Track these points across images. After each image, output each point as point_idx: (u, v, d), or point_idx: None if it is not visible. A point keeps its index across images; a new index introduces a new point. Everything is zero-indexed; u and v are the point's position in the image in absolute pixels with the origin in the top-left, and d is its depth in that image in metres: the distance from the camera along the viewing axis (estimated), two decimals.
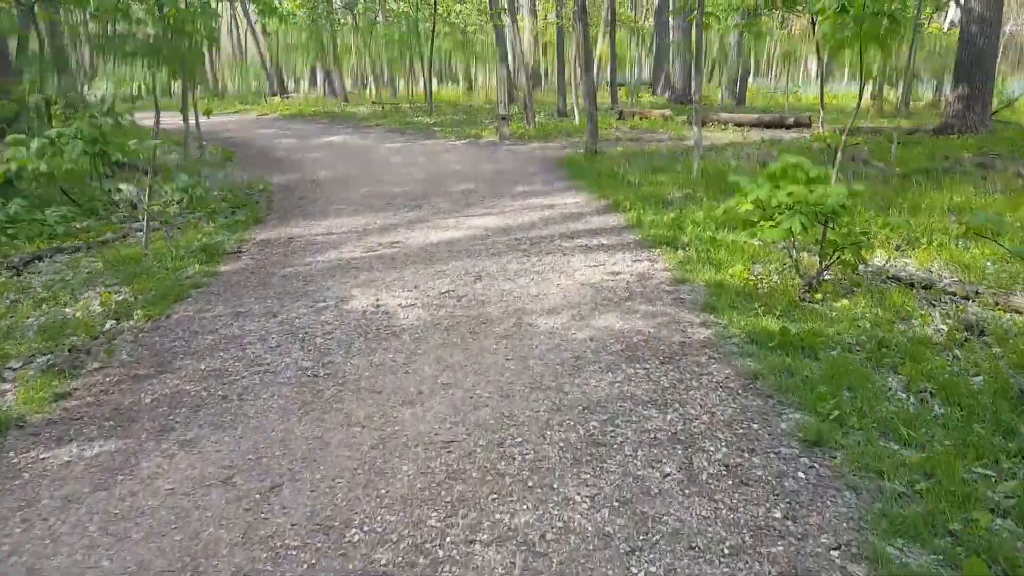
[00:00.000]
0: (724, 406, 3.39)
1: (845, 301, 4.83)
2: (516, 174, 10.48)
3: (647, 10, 35.24)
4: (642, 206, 7.69)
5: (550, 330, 4.32)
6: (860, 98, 8.53)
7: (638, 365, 3.82)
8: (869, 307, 4.67)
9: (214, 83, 43.62)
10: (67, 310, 4.97)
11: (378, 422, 3.27)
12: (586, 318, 4.49)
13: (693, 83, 9.52)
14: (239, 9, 29.35)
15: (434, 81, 34.60)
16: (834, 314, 4.57)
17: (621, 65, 32.79)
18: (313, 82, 35.04)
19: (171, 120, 21.23)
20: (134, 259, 6.06)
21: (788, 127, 15.79)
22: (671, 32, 22.07)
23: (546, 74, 37.29)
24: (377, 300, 4.95)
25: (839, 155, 8.42)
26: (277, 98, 29.17)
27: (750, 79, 26.14)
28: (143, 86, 10.04)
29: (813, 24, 12.85)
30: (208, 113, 10.26)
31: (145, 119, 18.43)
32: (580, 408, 3.37)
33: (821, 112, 14.09)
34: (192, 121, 13.64)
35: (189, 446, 3.13)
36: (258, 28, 26.64)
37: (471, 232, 6.94)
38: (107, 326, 4.61)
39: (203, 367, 3.92)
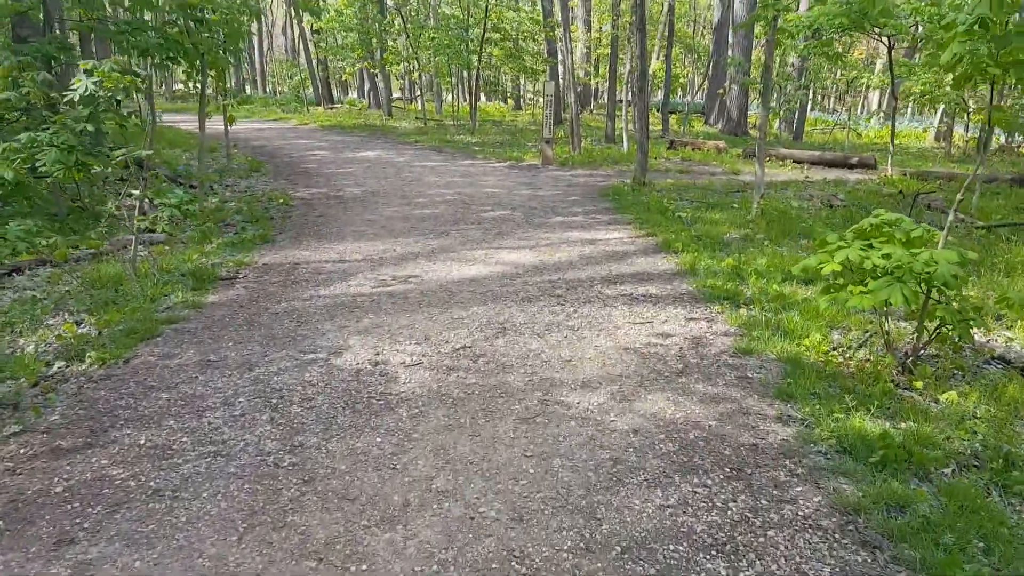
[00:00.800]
0: (817, 561, 2.45)
1: (952, 393, 3.83)
2: (556, 202, 9.63)
3: (703, 28, 34.11)
4: (696, 248, 6.75)
5: (583, 414, 3.42)
6: (983, 144, 7.43)
7: (696, 480, 2.89)
8: (981, 401, 3.67)
9: (262, 86, 44.03)
10: (20, 341, 4.26)
11: (340, 554, 2.40)
12: (629, 399, 3.58)
13: (759, 113, 8.58)
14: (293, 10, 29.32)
15: (481, 96, 34.16)
16: (939, 409, 3.59)
17: (673, 88, 31.85)
18: (362, 93, 34.89)
19: (214, 126, 21.00)
20: (116, 281, 5.36)
21: (851, 167, 14.65)
22: (729, 50, 21.07)
23: (596, 93, 36.56)
24: (377, 354, 4.11)
25: (913, 203, 7.35)
26: (320, 108, 28.97)
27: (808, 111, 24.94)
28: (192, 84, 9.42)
29: (890, 50, 11.78)
30: (231, 121, 9.67)
31: (183, 123, 18.01)
32: (618, 550, 2.45)
33: (890, 152, 12.92)
34: (221, 127, 13.19)
35: (83, 572, 2.31)
36: (307, 29, 26.41)
37: (500, 269, 6.09)
38: (54, 368, 3.87)
39: (143, 441, 3.12)
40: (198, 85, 9.39)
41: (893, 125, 12.89)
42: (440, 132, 20.05)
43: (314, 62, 30.03)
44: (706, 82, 28.54)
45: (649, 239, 7.42)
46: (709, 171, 13.63)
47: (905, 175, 12.68)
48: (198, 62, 8.47)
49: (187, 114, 27.53)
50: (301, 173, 12.26)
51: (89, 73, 4.62)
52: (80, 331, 4.48)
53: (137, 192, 5.29)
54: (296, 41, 32.65)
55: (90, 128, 5.30)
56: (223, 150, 13.29)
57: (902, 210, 9.41)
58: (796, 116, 20.56)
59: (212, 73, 10.19)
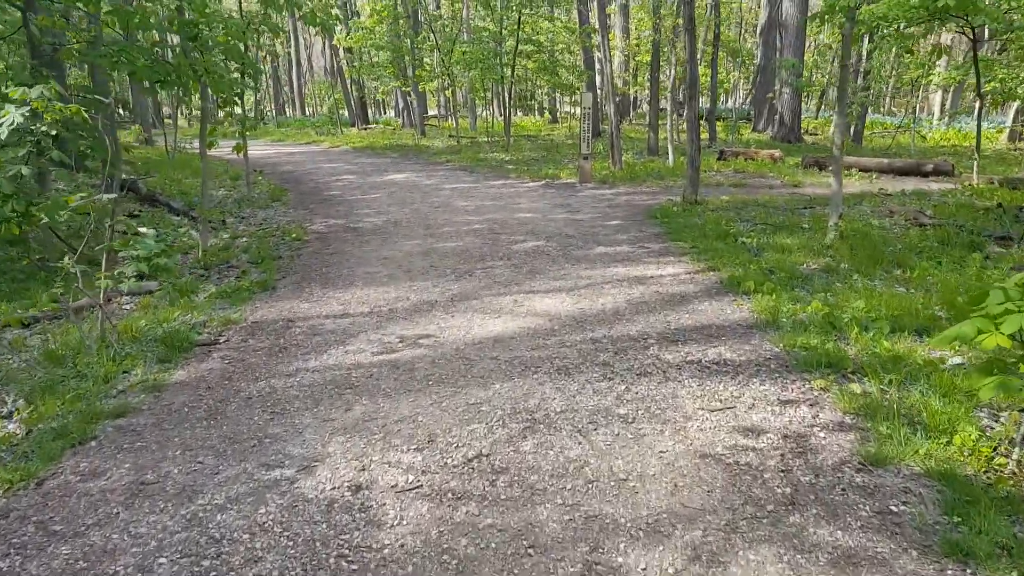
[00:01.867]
0: None
1: None
2: (597, 228, 8.51)
3: (745, 30, 32.58)
4: (771, 287, 5.55)
5: None
6: None
7: None
8: None
9: (301, 108, 44.02)
10: None
11: None
12: (719, 559, 2.43)
13: (836, 120, 7.34)
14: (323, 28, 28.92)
15: (516, 111, 33.26)
16: None
17: (717, 94, 30.45)
18: (398, 112, 34.39)
19: (260, 151, 20.48)
20: (72, 351, 4.45)
21: (925, 175, 13.15)
22: (779, 52, 19.67)
23: (635, 103, 35.32)
24: (361, 470, 3.05)
25: (1016, 218, 6.04)
26: (355, 129, 28.45)
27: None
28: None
29: (974, 43, 10.36)
30: (238, 151, 8.83)
31: (219, 150, 17.42)
32: None
33: (975, 158, 11.40)
34: (239, 155, 12.46)
35: None
36: (339, 47, 25.92)
37: (531, 323, 5.00)
38: None
39: None
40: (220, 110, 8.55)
41: (979, 127, 11.40)
42: (473, 150, 19.15)
43: (348, 82, 29.59)
44: (751, 87, 27.10)
45: (711, 274, 6.23)
46: (766, 184, 12.33)
47: (992, 183, 11.18)
48: (195, 85, 7.62)
49: (226, 140, 27.33)
50: (323, 201, 11.41)
51: (19, 103, 3.72)
52: (5, 429, 3.55)
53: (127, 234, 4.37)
54: (331, 61, 32.29)
55: (25, 172, 4.40)
56: (246, 178, 12.55)
57: (1005, 226, 8.02)
58: (856, 120, 19.00)
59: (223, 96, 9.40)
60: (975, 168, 11.36)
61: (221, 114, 10.44)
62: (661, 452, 3.13)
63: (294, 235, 8.60)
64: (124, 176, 11.42)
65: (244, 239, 8.64)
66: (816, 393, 3.72)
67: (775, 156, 14.39)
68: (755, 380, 3.89)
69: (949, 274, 5.99)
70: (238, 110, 12.47)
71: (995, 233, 7.62)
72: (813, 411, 3.50)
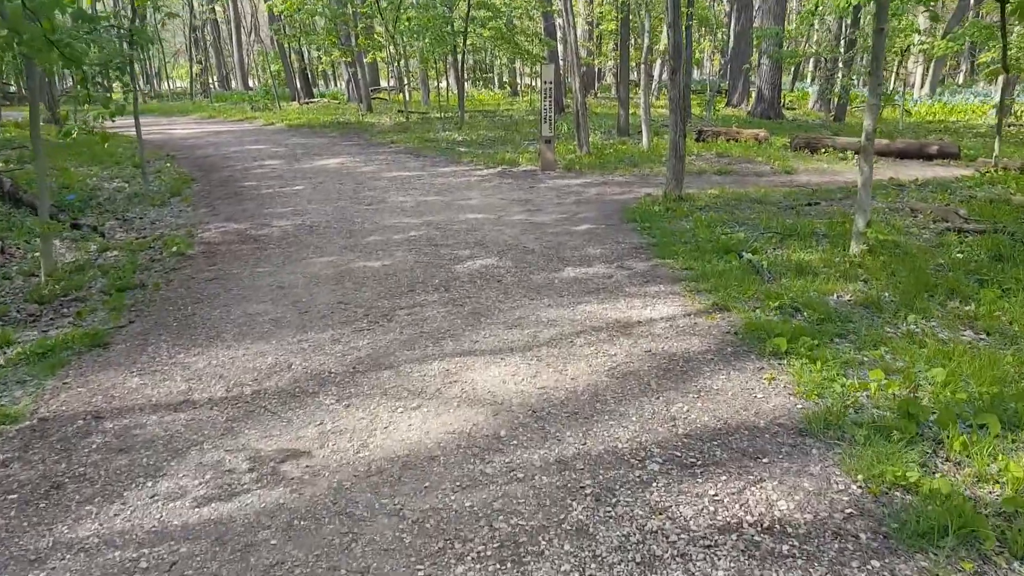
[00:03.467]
0: None
1: None
2: (563, 237, 6.77)
3: None
4: (809, 347, 3.90)
5: None
6: None
7: None
8: None
9: (242, 81, 40.94)
10: None
11: None
12: None
13: (868, 101, 5.69)
14: None
15: (473, 83, 31.04)
16: None
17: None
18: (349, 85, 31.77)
19: (183, 130, 18.14)
20: None
21: (930, 157, 11.71)
22: (754, 18, 18.01)
23: (599, 75, 33.44)
24: None
25: None
26: (296, 104, 26.06)
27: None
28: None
29: (1003, 4, 8.79)
30: (103, 140, 6.82)
31: (155, 126, 15.05)
32: None
33: (997, 142, 9.91)
34: (179, 131, 10.36)
35: None
36: (269, 13, 23.48)
37: (464, 423, 3.26)
38: None
39: None
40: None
41: (1002, 104, 9.88)
42: (423, 128, 17.16)
43: (288, 52, 27.07)
44: (725, 58, 25.49)
45: (719, 317, 4.55)
46: (755, 171, 10.72)
47: (1007, 169, 9.70)
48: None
49: (146, 117, 24.43)
50: (233, 195, 9.43)
51: None
52: None
53: None
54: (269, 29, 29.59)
55: None
56: (143, 167, 10.45)
57: None
58: (839, 94, 17.50)
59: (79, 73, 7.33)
60: (996, 150, 9.87)
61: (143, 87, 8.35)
62: None
63: (176, 247, 6.69)
64: None
65: (115, 253, 6.71)
66: None
67: (760, 136, 12.79)
68: (847, 568, 2.22)
69: None
70: (118, 88, 10.38)
71: None
72: None
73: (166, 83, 47.06)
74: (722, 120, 16.50)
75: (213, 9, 39.06)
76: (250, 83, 45.62)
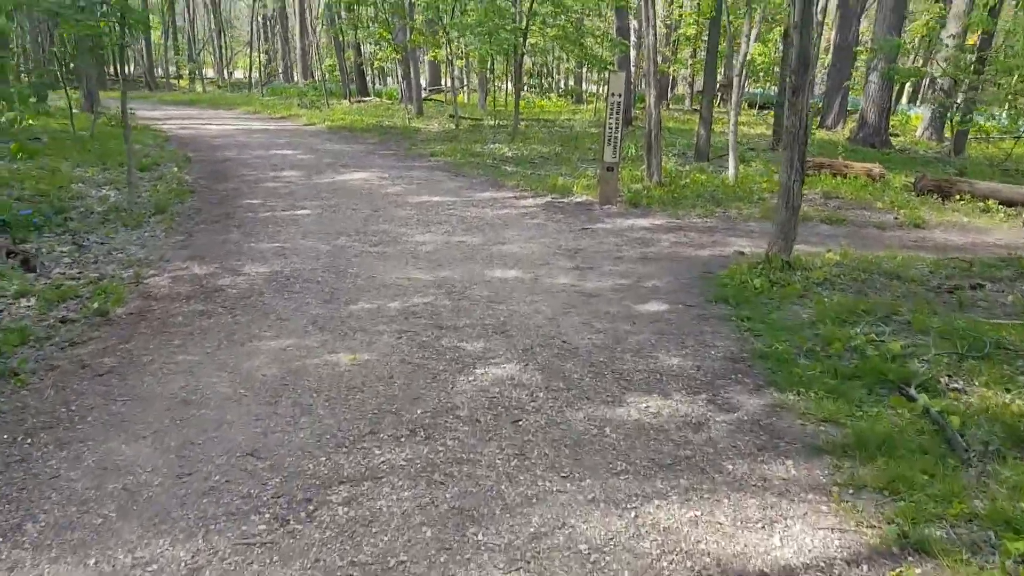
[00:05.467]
0: None
1: None
2: (624, 324, 4.72)
3: None
4: None
5: None
6: None
7: None
8: None
9: (303, 73, 39.98)
10: None
11: None
12: None
13: None
14: None
15: (535, 89, 29.05)
16: None
17: (767, 79, 26.19)
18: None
19: (219, 126, 16.79)
20: None
21: None
22: (861, 27, 15.43)
23: (671, 84, 31.03)
24: None
25: None
26: (346, 102, 24.61)
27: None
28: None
29: None
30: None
31: (176, 119, 13.85)
32: None
33: None
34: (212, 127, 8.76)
35: None
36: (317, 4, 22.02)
37: None
38: None
39: None
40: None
41: None
42: (472, 137, 15.30)
43: (342, 45, 25.68)
44: (825, 71, 22.82)
45: (909, 554, 2.45)
46: (874, 220, 8.42)
47: None
48: None
49: (192, 108, 23.22)
50: (224, 219, 7.74)
51: None
52: None
53: None
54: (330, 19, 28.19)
55: None
56: (163, 168, 8.86)
57: None
58: (957, 121, 14.73)
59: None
60: None
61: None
62: None
63: (99, 303, 4.95)
64: None
65: (29, 302, 5.03)
66: None
67: (874, 173, 10.40)
68: None
69: None
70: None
71: None
72: None
73: (238, 71, 46.68)
74: (819, 146, 14.06)
75: None
76: (315, 76, 44.73)
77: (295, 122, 19.19)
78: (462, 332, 4.54)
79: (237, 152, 12.86)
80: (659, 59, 20.97)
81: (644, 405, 3.54)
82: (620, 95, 8.38)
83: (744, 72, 9.69)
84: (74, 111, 17.45)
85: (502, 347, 4.29)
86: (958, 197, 9.32)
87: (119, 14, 8.11)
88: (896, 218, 8.47)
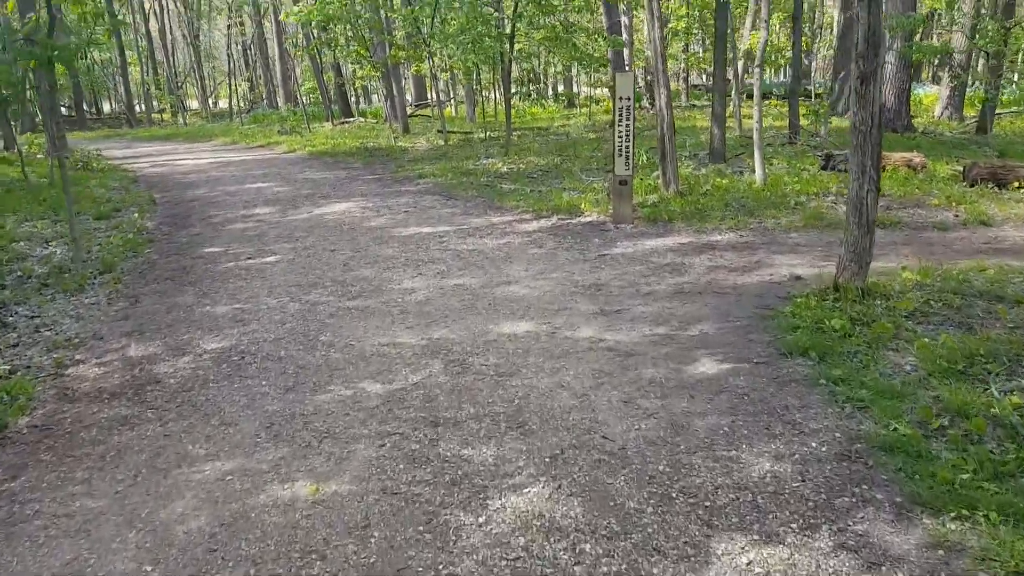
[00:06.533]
0: None
1: None
2: (679, 401, 3.55)
3: None
4: None
5: None
6: None
7: None
8: None
9: (286, 97, 38.94)
10: None
11: None
12: None
13: None
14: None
15: (519, 99, 27.86)
16: None
17: (776, 65, 25.09)
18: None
19: (195, 160, 15.69)
20: None
21: None
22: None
23: (677, 77, 29.81)
24: None
25: None
26: (328, 125, 23.51)
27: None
28: None
29: None
30: None
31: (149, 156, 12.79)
32: None
33: None
34: (188, 161, 7.57)
35: None
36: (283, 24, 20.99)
37: None
38: None
39: None
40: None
41: None
42: (463, 153, 14.18)
43: (320, 66, 24.61)
44: (820, 57, 21.80)
45: None
46: (932, 219, 7.26)
47: None
48: None
49: (169, 143, 21.85)
50: (179, 274, 6.61)
51: None
52: None
53: None
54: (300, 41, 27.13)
55: None
56: (125, 214, 7.73)
57: None
58: (986, 98, 13.57)
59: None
60: None
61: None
62: None
63: None
64: None
65: None
66: None
67: (915, 163, 9.24)
68: None
69: None
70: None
71: None
72: None
73: (223, 101, 45.68)
74: (840, 136, 12.91)
75: (261, 24, 37.23)
76: (301, 100, 43.62)
77: (274, 150, 18.10)
78: (465, 429, 3.38)
79: (207, 189, 11.74)
80: (649, 53, 19.86)
81: (745, 561, 2.37)
82: (629, 98, 7.25)
83: (762, 60, 8.55)
84: (39, 155, 16.40)
85: (521, 454, 3.13)
86: (1017, 185, 8.16)
87: (48, 54, 6.93)
88: (956, 216, 7.31)
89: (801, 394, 3.57)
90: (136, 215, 9.67)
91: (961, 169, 8.82)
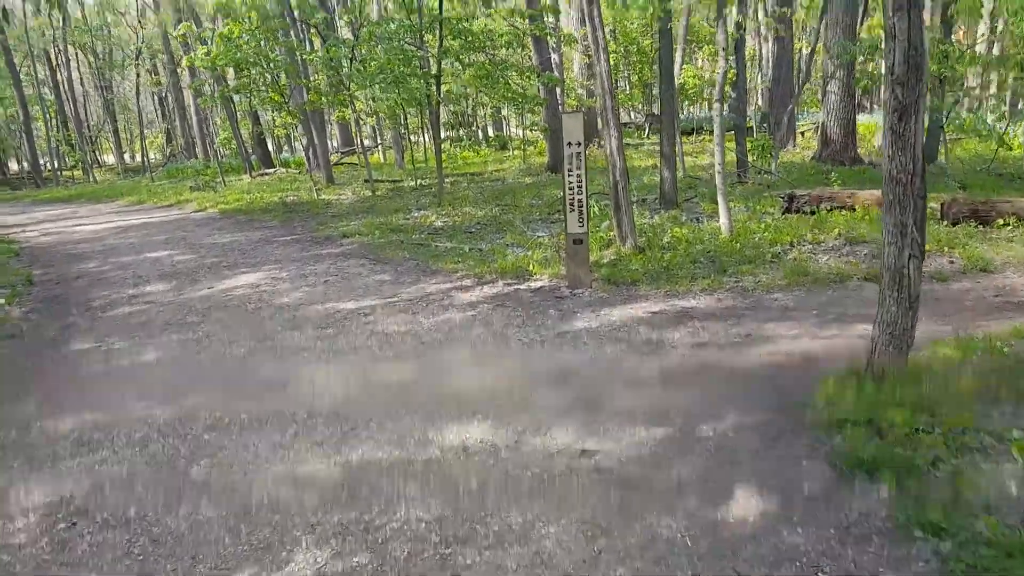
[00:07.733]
0: None
1: None
2: (720, 569, 2.44)
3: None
4: None
5: None
6: None
7: None
8: None
9: (204, 151, 36.93)
10: None
11: None
12: None
13: None
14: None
15: (451, 144, 26.87)
16: None
17: (695, 97, 24.94)
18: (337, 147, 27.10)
19: (93, 225, 14.10)
20: None
21: None
22: (790, 39, 14.01)
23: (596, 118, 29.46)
24: None
25: None
26: (246, 178, 21.93)
27: None
28: None
29: None
30: None
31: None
32: None
33: None
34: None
35: None
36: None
37: None
38: None
39: None
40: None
41: None
42: (393, 204, 12.99)
43: (234, 114, 23.10)
44: (752, 87, 21.74)
45: None
46: (927, 269, 6.47)
47: None
48: None
49: (70, 205, 19.58)
50: (14, 398, 5.05)
51: None
52: None
53: None
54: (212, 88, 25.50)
55: None
56: None
57: None
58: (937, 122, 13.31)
59: None
60: None
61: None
62: None
63: None
64: None
65: None
66: None
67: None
68: None
69: None
70: None
71: None
72: None
73: (139, 156, 43.03)
74: (787, 171, 12.35)
75: (176, 72, 35.24)
76: (217, 152, 41.42)
77: (184, 209, 16.46)
78: None
79: (98, 262, 10.11)
80: (581, 91, 19.23)
81: None
82: (580, 143, 6.24)
83: (722, 93, 7.74)
84: None
85: None
86: (1002, 222, 7.54)
87: None
88: (952, 262, 6.56)
89: (894, 562, 2.47)
90: (2, 301, 8.02)
91: (938, 207, 8.17)
